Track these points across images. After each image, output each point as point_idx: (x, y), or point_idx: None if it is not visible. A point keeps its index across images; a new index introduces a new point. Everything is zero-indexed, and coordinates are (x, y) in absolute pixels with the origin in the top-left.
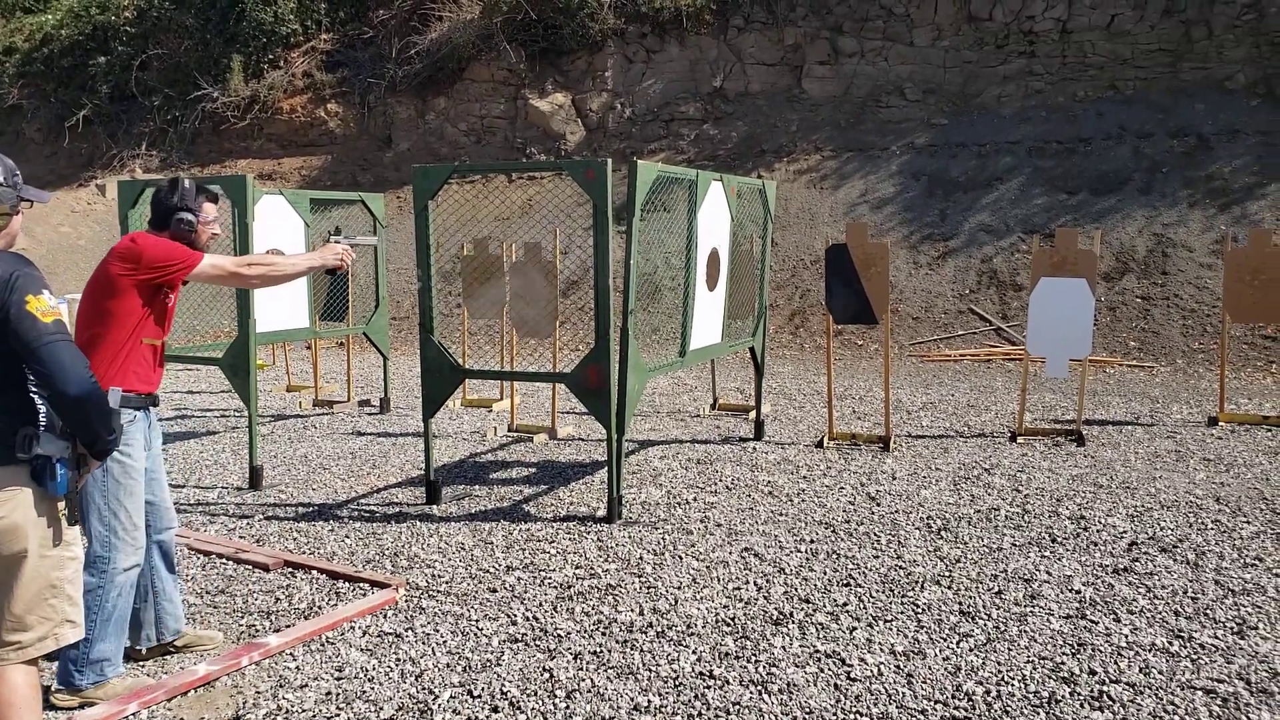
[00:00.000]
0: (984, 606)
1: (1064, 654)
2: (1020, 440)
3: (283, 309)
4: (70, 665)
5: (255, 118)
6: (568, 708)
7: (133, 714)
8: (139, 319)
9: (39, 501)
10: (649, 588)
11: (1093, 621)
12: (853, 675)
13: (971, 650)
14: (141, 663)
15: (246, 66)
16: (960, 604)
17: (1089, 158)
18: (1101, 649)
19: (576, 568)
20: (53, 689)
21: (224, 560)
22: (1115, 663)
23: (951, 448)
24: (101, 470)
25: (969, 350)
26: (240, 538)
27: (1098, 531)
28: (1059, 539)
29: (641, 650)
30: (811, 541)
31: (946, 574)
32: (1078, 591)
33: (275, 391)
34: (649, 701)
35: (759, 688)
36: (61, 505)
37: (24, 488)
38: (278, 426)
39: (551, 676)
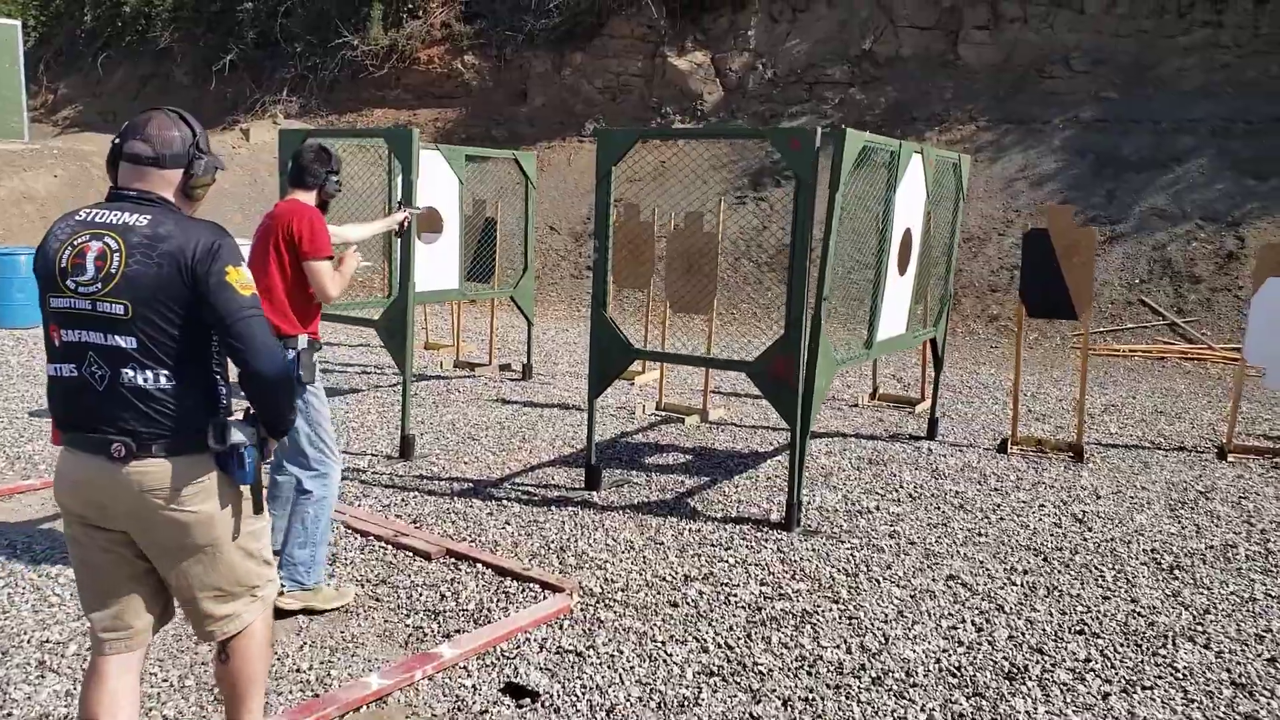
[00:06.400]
0: (1259, 679)
1: None
2: (1231, 458)
3: (435, 270)
4: (299, 568)
5: (393, 67)
6: None
7: None
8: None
9: (225, 490)
10: (850, 618)
11: None
12: None
13: None
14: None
15: (386, 15)
16: (1229, 672)
17: None
18: None
19: (762, 584)
20: (284, 590)
21: (383, 544)
22: None
23: (1152, 462)
24: (301, 401)
25: (1140, 346)
26: (397, 516)
27: None
28: None
29: (860, 701)
30: (1025, 572)
31: (1199, 628)
32: None
33: (413, 348)
34: None
35: None
36: (247, 492)
37: (212, 476)
38: (420, 387)
39: None
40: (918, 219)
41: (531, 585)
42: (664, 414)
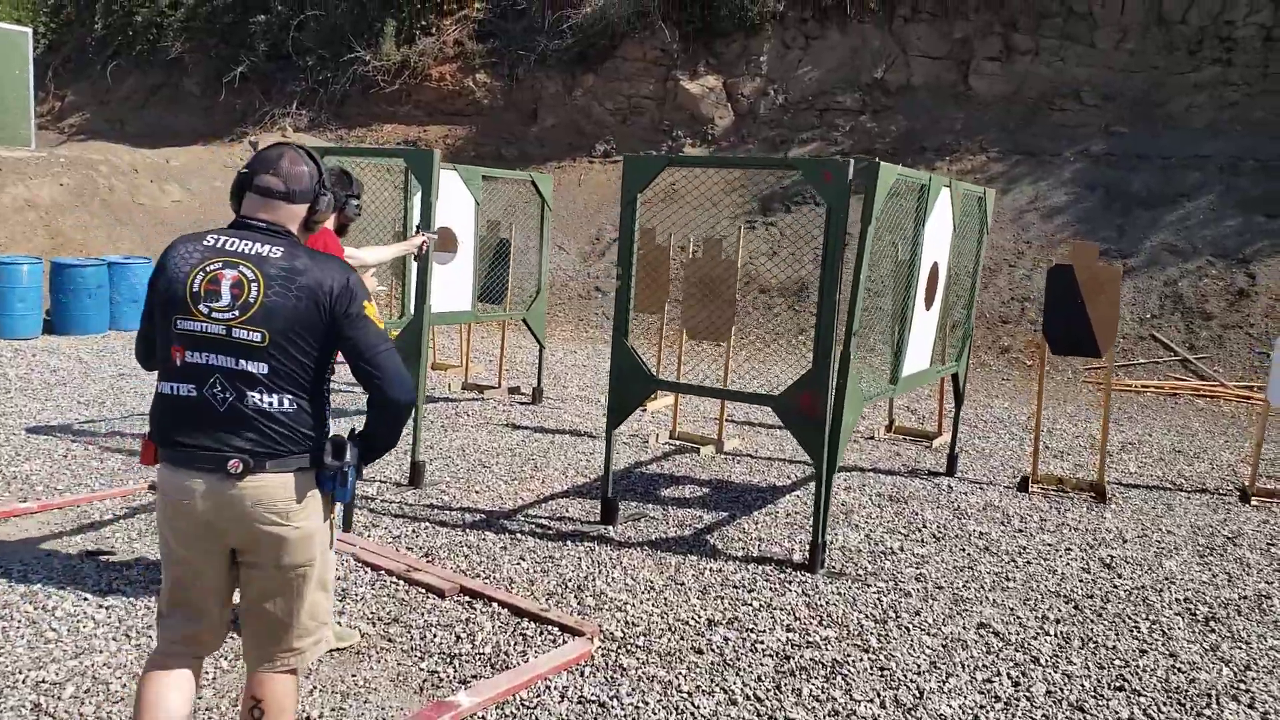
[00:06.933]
0: None
1: None
2: (1254, 502)
3: (448, 291)
4: None
5: (404, 83)
6: None
7: None
8: None
9: (325, 507)
10: (882, 669)
11: None
12: None
13: None
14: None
15: (399, 32)
16: None
17: None
18: None
19: (788, 630)
20: None
21: (395, 579)
22: None
23: (1175, 505)
24: None
25: (1152, 382)
26: (408, 548)
27: None
28: None
29: None
30: (1057, 621)
31: (1241, 686)
32: None
33: (426, 373)
34: None
35: None
36: (337, 511)
37: (315, 494)
38: (427, 410)
39: None
40: (944, 253)
41: (550, 628)
42: (678, 443)
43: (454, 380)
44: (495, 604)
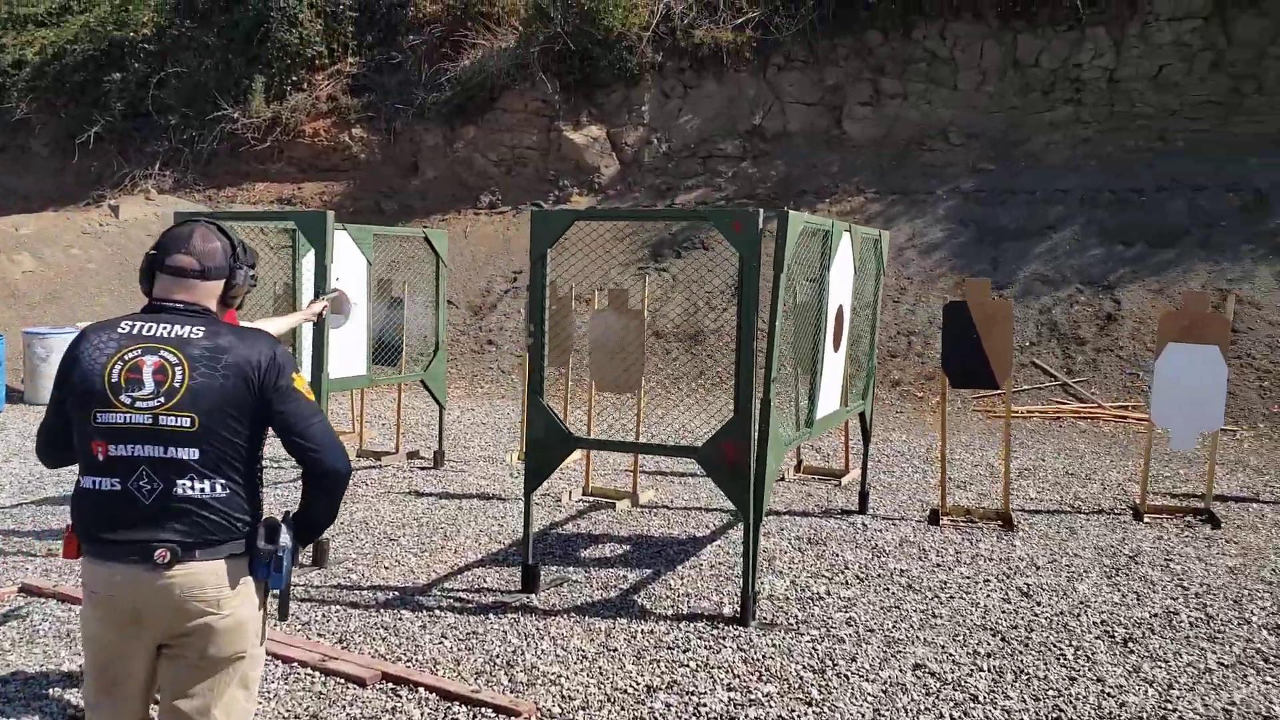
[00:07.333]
0: None
1: None
2: (1147, 519)
3: (342, 356)
4: None
5: (276, 140)
6: None
7: None
8: None
9: (257, 595)
10: None
11: None
12: None
13: None
14: None
15: (269, 88)
16: None
17: (1143, 210)
18: None
19: (729, 689)
20: None
21: (309, 670)
22: None
23: (1076, 527)
24: None
25: (1036, 407)
26: (319, 635)
27: None
28: (1271, 658)
29: None
30: (988, 655)
31: (1168, 706)
32: None
33: None
34: None
35: None
36: (273, 598)
37: (248, 580)
38: None
39: None
40: (848, 296)
41: (484, 710)
42: (592, 499)
43: (349, 447)
44: (422, 689)
